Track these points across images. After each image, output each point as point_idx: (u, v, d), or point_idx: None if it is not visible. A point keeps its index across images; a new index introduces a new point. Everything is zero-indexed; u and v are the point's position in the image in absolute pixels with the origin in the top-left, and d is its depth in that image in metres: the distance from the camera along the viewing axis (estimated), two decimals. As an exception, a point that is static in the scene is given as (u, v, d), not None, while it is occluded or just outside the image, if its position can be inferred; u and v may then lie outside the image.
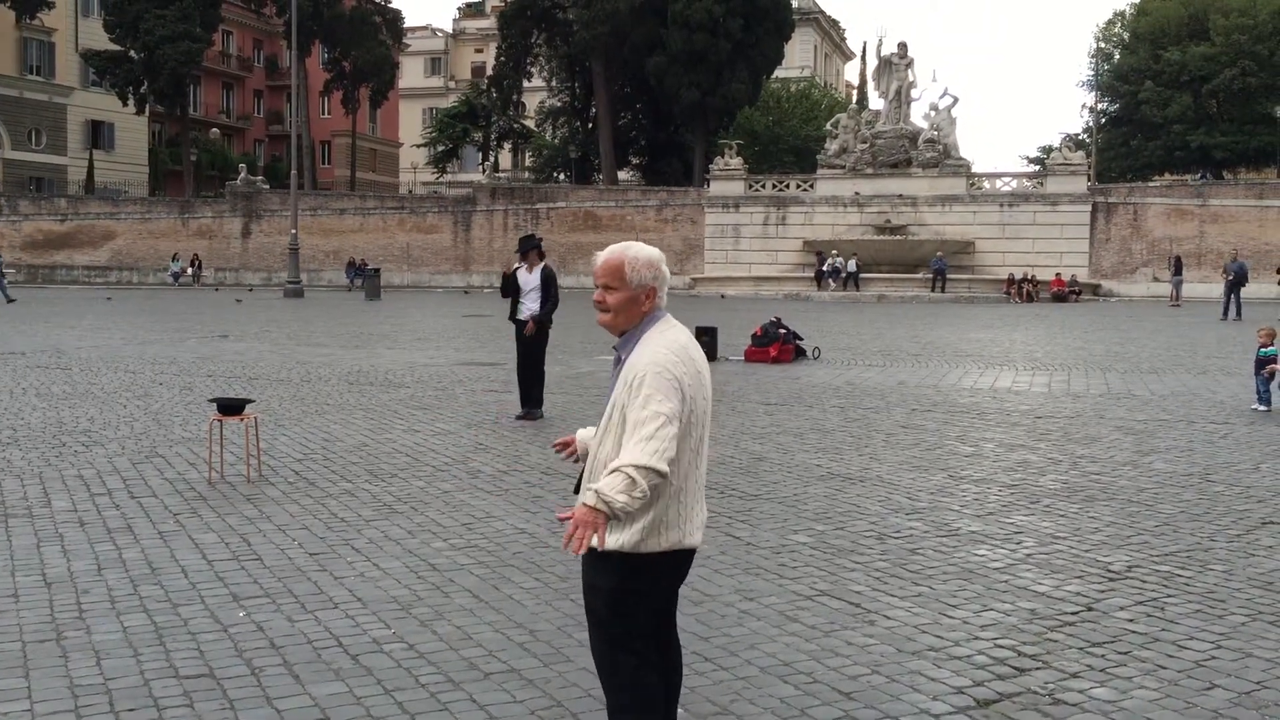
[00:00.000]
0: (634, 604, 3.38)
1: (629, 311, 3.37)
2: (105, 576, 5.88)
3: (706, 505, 3.54)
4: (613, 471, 3.13)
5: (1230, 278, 30.98)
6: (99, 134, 68.19)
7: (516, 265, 11.82)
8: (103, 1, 62.32)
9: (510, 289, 11.73)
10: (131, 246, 55.02)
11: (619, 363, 3.41)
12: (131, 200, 58.96)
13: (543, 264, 11.68)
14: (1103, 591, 5.78)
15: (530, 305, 11.57)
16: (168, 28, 56.45)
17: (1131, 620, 5.33)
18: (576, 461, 3.68)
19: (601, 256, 3.40)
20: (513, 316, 11.77)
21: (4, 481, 8.17)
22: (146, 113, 64.34)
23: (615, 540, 3.26)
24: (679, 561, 3.42)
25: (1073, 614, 5.43)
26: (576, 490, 3.53)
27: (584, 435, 3.67)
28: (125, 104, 61.35)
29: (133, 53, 58.28)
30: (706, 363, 3.47)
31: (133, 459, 9.09)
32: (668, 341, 3.33)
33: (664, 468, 3.12)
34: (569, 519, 3.18)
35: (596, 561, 3.32)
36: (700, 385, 3.35)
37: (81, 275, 54.16)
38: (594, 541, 3.15)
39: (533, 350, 11.61)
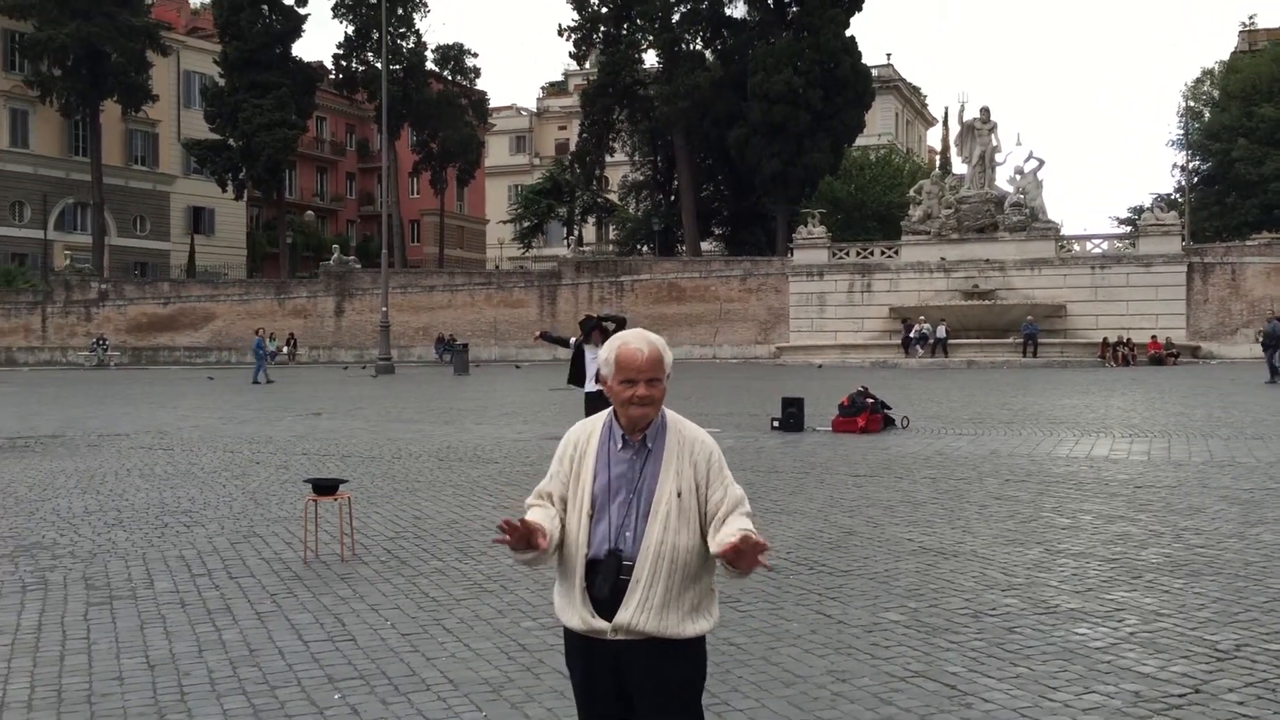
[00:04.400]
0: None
1: (659, 400, 3.30)
2: (206, 658, 6.00)
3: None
4: (742, 528, 3.17)
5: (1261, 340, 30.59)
6: (199, 219, 70.94)
7: (578, 338, 12.38)
8: (203, 93, 65.20)
9: (577, 362, 12.29)
10: (230, 327, 56.73)
11: (640, 451, 3.28)
12: (230, 282, 60.96)
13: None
14: (1210, 672, 5.57)
15: (593, 377, 12.07)
16: (265, 116, 58.72)
17: (1241, 703, 5.13)
18: (525, 549, 3.21)
19: (645, 351, 3.24)
20: (585, 387, 12.26)
21: (110, 563, 8.42)
22: (245, 198, 66.81)
23: (708, 624, 3.29)
24: None
25: (1179, 696, 5.24)
26: (605, 596, 3.21)
27: (540, 516, 3.30)
28: (224, 190, 63.79)
29: (232, 141, 60.68)
30: None
31: (231, 539, 9.30)
32: (697, 426, 3.40)
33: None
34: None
35: (685, 651, 3.27)
36: None
37: (183, 356, 55.93)
38: (688, 629, 3.22)
39: None
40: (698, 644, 3.31)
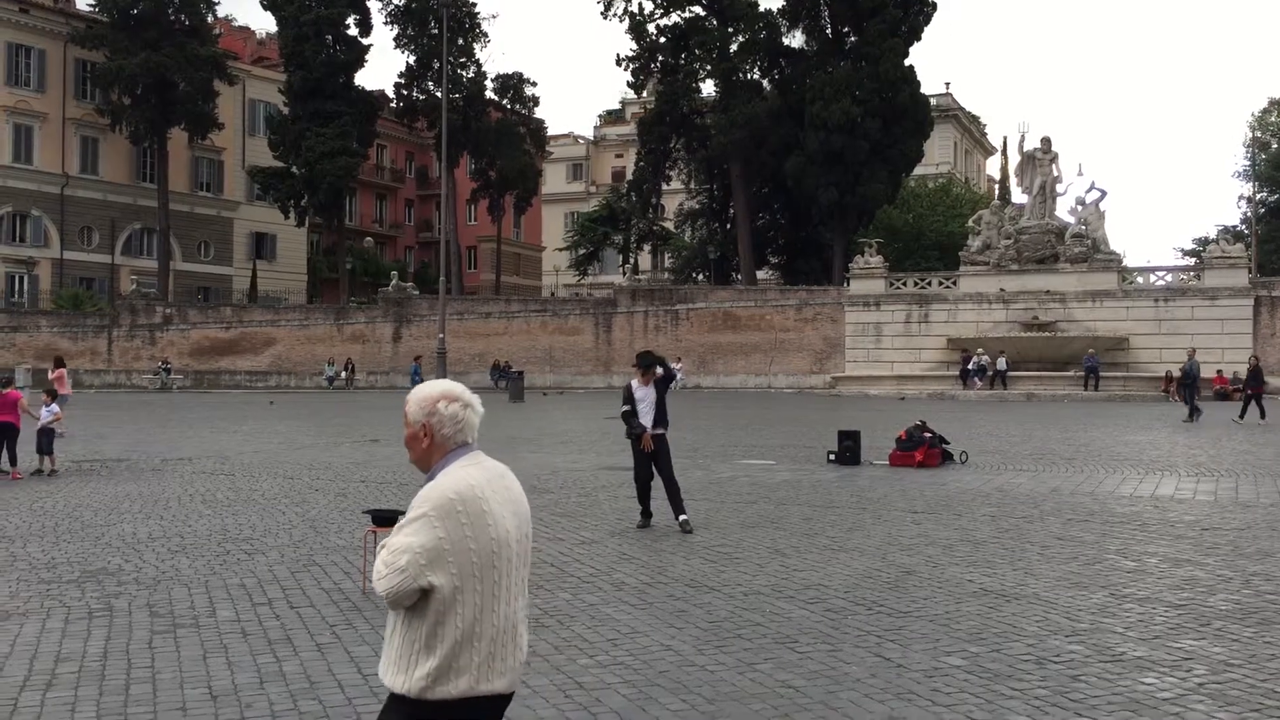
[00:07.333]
0: None
1: (414, 449, 3.35)
2: (267, 690, 6.06)
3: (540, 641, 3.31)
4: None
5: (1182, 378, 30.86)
6: (262, 245, 72.18)
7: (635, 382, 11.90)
8: (268, 121, 66.50)
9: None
10: (290, 352, 57.52)
11: None
12: (291, 308, 61.88)
13: (655, 378, 11.71)
14: (1285, 728, 5.42)
15: (645, 418, 11.55)
16: (327, 145, 59.69)
17: (1319, 762, 4.98)
18: None
19: None
20: (630, 433, 11.82)
21: (173, 590, 8.54)
22: (306, 224, 67.82)
23: (402, 684, 3.13)
24: (478, 709, 3.18)
25: (1253, 753, 5.10)
26: None
27: None
28: (286, 216, 64.84)
29: (295, 169, 61.74)
30: (514, 497, 3.33)
31: (291, 568, 9.40)
32: (454, 478, 3.22)
33: (381, 591, 3.11)
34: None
35: (392, 706, 3.20)
36: (484, 525, 3.16)
37: (244, 380, 56.79)
38: (388, 679, 3.16)
39: (658, 461, 11.58)
40: (400, 704, 3.15)
